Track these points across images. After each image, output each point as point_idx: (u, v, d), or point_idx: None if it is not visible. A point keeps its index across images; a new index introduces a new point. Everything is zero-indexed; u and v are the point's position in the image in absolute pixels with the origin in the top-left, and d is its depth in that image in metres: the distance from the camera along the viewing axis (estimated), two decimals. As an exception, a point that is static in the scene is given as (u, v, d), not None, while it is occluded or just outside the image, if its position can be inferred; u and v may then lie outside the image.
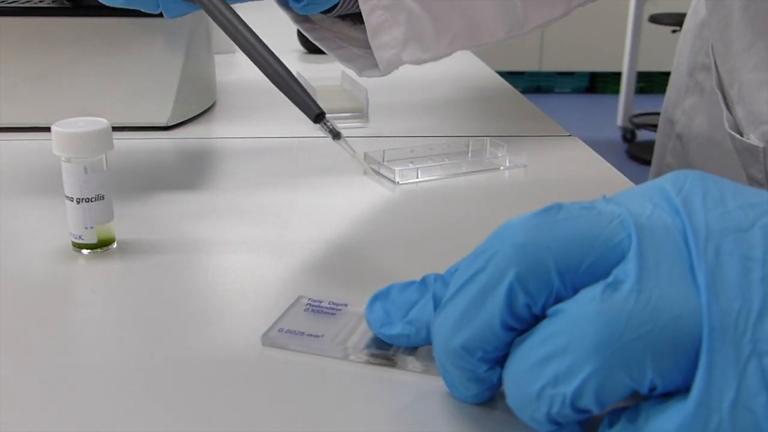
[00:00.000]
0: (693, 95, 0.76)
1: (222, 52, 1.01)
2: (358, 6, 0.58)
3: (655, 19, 3.53)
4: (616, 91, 3.68)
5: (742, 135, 0.64)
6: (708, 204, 0.28)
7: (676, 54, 0.80)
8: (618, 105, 3.51)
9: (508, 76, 3.56)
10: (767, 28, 0.60)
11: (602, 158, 0.65)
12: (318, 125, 0.44)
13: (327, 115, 0.44)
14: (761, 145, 0.61)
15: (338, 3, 0.58)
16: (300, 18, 0.62)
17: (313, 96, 0.45)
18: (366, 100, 0.76)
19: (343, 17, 0.62)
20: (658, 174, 0.81)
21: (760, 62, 0.60)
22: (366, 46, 0.60)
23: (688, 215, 0.27)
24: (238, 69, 0.97)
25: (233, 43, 0.46)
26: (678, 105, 0.79)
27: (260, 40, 0.46)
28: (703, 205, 0.28)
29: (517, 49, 4.08)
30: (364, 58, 0.62)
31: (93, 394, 0.33)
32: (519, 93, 0.88)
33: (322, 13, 0.60)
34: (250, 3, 0.56)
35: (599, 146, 0.69)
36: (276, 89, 0.45)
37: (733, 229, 0.27)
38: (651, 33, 3.70)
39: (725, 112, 0.66)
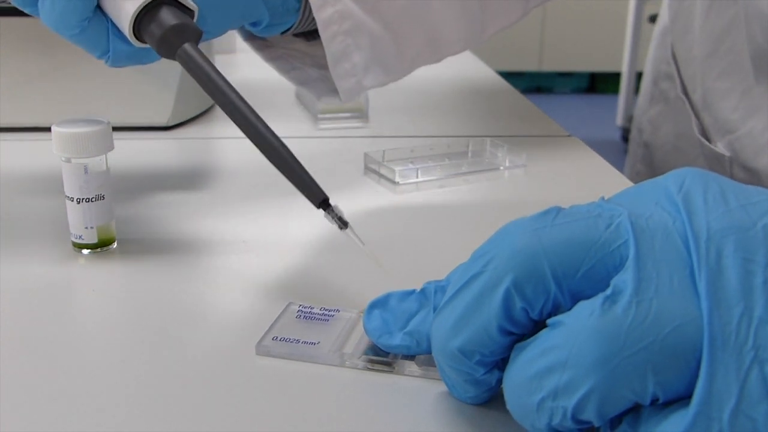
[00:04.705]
0: (658, 104, 0.75)
1: (222, 52, 1.01)
2: (314, 23, 0.53)
3: (655, 19, 3.53)
4: (616, 91, 3.68)
5: (710, 141, 0.63)
6: (709, 202, 0.27)
7: (646, 62, 0.80)
8: (618, 105, 3.51)
9: (508, 76, 3.55)
10: (727, 35, 0.58)
11: (602, 158, 0.65)
12: (324, 213, 0.40)
13: (332, 205, 0.40)
14: (728, 153, 0.61)
15: (294, 24, 0.54)
16: (249, 35, 0.58)
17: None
18: (366, 100, 0.75)
19: (297, 34, 0.58)
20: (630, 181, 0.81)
21: (724, 70, 0.59)
22: (322, 64, 0.56)
23: (689, 215, 0.27)
24: (238, 69, 0.97)
25: (225, 108, 0.42)
26: (645, 113, 0.78)
27: (257, 116, 0.42)
28: (704, 203, 0.27)
29: (517, 49, 4.07)
30: (322, 81, 0.57)
31: (91, 394, 0.33)
32: (519, 93, 0.88)
33: None
34: None
35: (599, 146, 0.69)
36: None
37: (735, 228, 0.26)
38: (651, 33, 3.70)
39: (693, 118, 0.65)
